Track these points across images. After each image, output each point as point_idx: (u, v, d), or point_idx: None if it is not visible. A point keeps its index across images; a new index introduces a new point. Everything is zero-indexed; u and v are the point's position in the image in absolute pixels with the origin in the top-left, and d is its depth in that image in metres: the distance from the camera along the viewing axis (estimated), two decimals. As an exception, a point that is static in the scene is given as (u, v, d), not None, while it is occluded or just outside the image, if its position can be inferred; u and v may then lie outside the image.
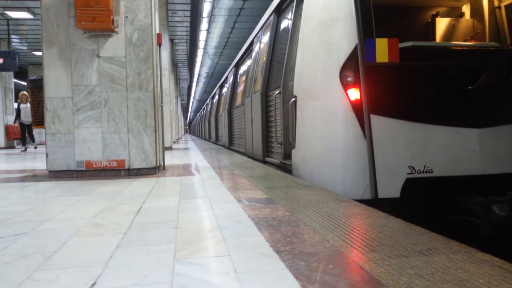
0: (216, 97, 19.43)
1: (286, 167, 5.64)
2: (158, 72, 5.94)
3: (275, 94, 6.23)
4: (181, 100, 40.73)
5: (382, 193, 3.88)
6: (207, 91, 42.57)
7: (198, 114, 44.60)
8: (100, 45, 5.30)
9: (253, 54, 9.35)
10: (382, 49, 3.98)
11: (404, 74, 4.02)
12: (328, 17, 4.31)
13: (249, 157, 8.72)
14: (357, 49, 4.01)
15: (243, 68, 11.62)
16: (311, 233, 2.26)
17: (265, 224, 2.48)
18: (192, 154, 10.04)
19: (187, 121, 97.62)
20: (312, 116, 4.58)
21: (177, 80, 25.88)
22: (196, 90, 42.49)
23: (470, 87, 4.01)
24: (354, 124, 3.97)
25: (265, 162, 7.08)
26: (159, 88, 5.91)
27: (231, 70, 14.10)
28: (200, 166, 6.41)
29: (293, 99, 5.15)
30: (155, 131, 5.43)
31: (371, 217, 2.61)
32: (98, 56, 5.32)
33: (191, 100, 52.24)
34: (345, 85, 4.04)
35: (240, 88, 11.23)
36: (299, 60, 4.98)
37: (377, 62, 3.94)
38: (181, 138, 32.43)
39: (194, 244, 2.11)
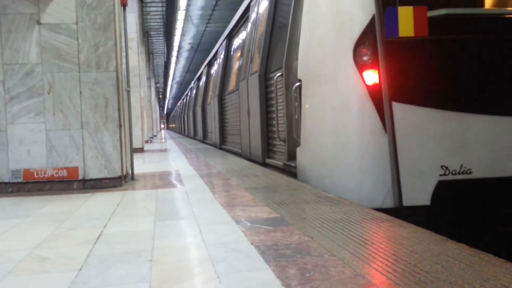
0: (203, 78, 19.17)
1: (290, 170, 5.83)
2: (123, 44, 5.95)
3: (276, 76, 6.43)
4: (156, 83, 40.78)
5: (408, 200, 4.07)
6: (191, 70, 42.60)
7: (179, 103, 44.43)
8: (41, 7, 5.31)
9: (250, 23, 9.47)
10: (406, 20, 4.10)
11: (435, 51, 4.19)
12: None
13: (246, 158, 8.93)
14: (374, 20, 4.19)
15: (238, 40, 11.62)
16: (340, 265, 2.25)
17: (274, 253, 2.47)
18: (172, 157, 10.04)
19: (164, 112, 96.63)
20: (320, 106, 4.79)
21: (149, 54, 25.92)
22: (176, 68, 42.58)
23: None
24: (371, 115, 4.18)
25: (265, 165, 7.29)
26: (124, 66, 5.93)
27: (223, 42, 14.15)
28: (184, 175, 6.42)
29: (297, 84, 5.35)
30: (120, 126, 5.44)
31: (422, 242, 2.59)
32: (38, 22, 5.33)
33: (169, 83, 52.34)
34: (361, 66, 4.25)
35: (235, 68, 11.26)
36: (304, 34, 5.16)
37: (400, 37, 4.10)
38: (156, 136, 32.51)
39: (176, 284, 2.10)
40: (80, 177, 5.35)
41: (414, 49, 4.19)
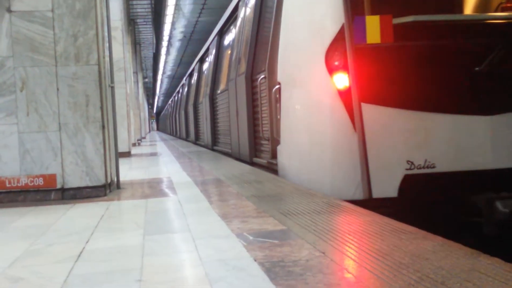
0: (195, 75, 19.68)
1: (272, 168, 6.94)
2: (105, 34, 5.96)
3: (260, 78, 7.53)
4: (144, 78, 40.73)
5: (377, 193, 5.02)
6: (183, 63, 42.55)
7: (171, 100, 44.68)
8: (12, -7, 5.33)
9: (239, 21, 10.27)
10: (373, 28, 5.10)
11: (401, 55, 5.16)
12: None
13: (236, 158, 9.90)
14: (344, 29, 5.13)
15: (229, 38, 12.28)
16: (355, 285, 2.25)
17: (281, 272, 2.47)
18: (163, 162, 10.08)
19: (154, 111, 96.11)
20: (296, 106, 5.88)
21: (136, 45, 25.95)
22: (167, 61, 42.57)
23: (477, 69, 5.12)
24: (342, 115, 5.10)
25: (252, 164, 8.45)
26: (107, 59, 5.94)
27: (214, 38, 14.76)
28: (176, 182, 6.44)
29: (276, 86, 6.45)
30: (103, 127, 5.46)
31: (450, 256, 2.60)
32: (9, 10, 5.34)
33: (159, 77, 52.18)
34: (331, 70, 5.19)
35: (225, 66, 11.99)
36: (283, 40, 6.24)
37: (367, 43, 5.07)
38: (145, 138, 32.49)
39: (169, 307, 2.10)
40: (58, 186, 5.36)
41: (382, 54, 5.13)
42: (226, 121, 11.28)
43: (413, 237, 3.04)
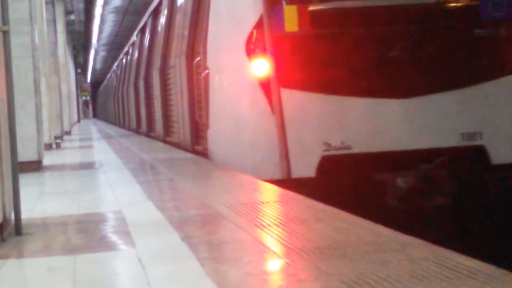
0: (148, 34, 14.70)
1: (205, 153, 7.26)
2: None
3: (196, 61, 7.60)
4: (67, 13, 23.24)
5: (296, 173, 5.58)
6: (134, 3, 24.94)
7: (116, 65, 29.53)
8: None
9: None
10: (291, 17, 5.66)
11: (318, 43, 5.77)
12: None
13: (183, 149, 9.05)
14: (262, 18, 5.62)
15: None
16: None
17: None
18: (108, 180, 6.32)
19: (88, 80, 59.99)
20: (221, 92, 6.50)
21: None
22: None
23: (390, 54, 5.78)
24: (261, 99, 5.69)
25: (195, 152, 8.25)
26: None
27: None
28: (133, 221, 3.85)
29: (206, 71, 6.80)
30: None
31: (355, 230, 2.97)
32: None
33: (98, 11, 26.00)
34: (251, 58, 5.77)
35: (176, 35, 10.11)
36: (211, 28, 6.67)
37: (286, 32, 5.66)
38: (70, 134, 20.30)
39: None
40: None
41: (299, 41, 5.76)
42: (176, 104, 9.72)
43: (330, 218, 3.35)
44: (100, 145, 13.01)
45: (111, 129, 24.16)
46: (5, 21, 3.55)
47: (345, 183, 5.55)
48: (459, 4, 6.27)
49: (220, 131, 6.55)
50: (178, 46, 9.32)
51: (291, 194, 4.46)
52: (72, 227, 3.96)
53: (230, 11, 6.20)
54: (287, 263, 2.53)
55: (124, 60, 23.58)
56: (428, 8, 5.98)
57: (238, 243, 3.08)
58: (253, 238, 3.11)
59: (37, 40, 7.85)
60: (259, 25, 5.70)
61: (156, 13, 13.21)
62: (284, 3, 5.77)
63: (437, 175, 5.64)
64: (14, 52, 3.95)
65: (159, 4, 12.64)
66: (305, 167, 5.59)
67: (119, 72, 26.07)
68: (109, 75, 38.67)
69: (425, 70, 5.82)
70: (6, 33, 3.55)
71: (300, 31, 5.71)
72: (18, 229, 3.57)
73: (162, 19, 11.96)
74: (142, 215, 4.11)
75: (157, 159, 8.17)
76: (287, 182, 5.37)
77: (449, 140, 5.78)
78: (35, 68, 7.44)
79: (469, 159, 5.82)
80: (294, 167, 5.57)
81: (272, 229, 3.26)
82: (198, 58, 7.46)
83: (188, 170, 6.80)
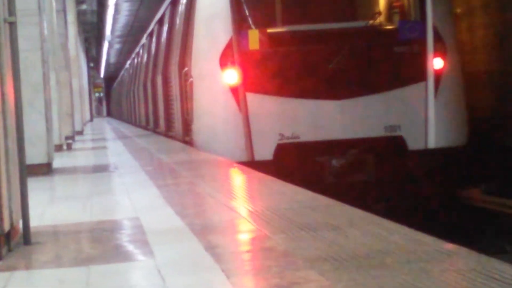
0: (165, 29, 14.10)
1: (192, 143, 9.63)
2: None
3: (183, 71, 9.98)
4: (79, 2, 22.23)
5: (258, 156, 7.76)
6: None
7: (134, 59, 26.33)
8: None
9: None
10: (254, 38, 7.97)
11: (274, 58, 8.02)
12: (211, 12, 8.38)
13: (179, 140, 11.52)
14: (232, 40, 7.83)
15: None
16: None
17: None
18: (123, 185, 6.14)
19: (101, 76, 56.20)
20: (202, 95, 8.79)
21: None
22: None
23: (330, 66, 7.82)
24: (231, 101, 7.89)
25: (185, 142, 10.62)
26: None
27: None
28: (151, 229, 3.66)
29: (190, 79, 9.23)
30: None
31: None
32: None
33: (110, 10, 26.14)
34: (224, 69, 7.93)
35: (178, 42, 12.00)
36: (195, 46, 9.03)
37: (250, 49, 7.89)
38: (83, 133, 19.58)
39: None
40: None
41: (261, 56, 8.02)
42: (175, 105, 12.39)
43: (366, 223, 3.43)
44: (114, 146, 12.52)
45: (127, 128, 23.05)
46: (11, 12, 3.34)
47: (295, 164, 7.75)
48: (382, 27, 8.53)
49: (201, 125, 8.98)
50: (174, 57, 11.74)
51: (320, 197, 4.31)
52: (85, 236, 3.75)
53: (208, 33, 8.48)
54: (319, 273, 2.32)
55: (140, 54, 22.25)
56: (358, 30, 8.19)
57: (266, 252, 2.87)
58: (284, 248, 2.87)
59: (45, 31, 7.52)
60: (230, 44, 7.93)
61: (174, 3, 12.77)
62: (249, 28, 8.09)
63: (361, 157, 7.81)
64: (21, 45, 3.70)
65: None
66: (264, 152, 7.82)
67: (135, 66, 24.57)
68: (124, 70, 36.43)
69: (357, 78, 7.99)
70: (12, 25, 3.33)
71: (261, 49, 8.02)
72: (26, 238, 3.38)
73: (179, 18, 11.86)
74: (160, 222, 3.91)
75: (176, 162, 7.88)
76: (251, 164, 7.29)
77: (375, 131, 7.96)
78: (44, 62, 7.13)
79: (391, 146, 7.93)
80: (256, 152, 7.80)
81: (301, 236, 3.07)
82: (186, 69, 9.84)
83: (209, 173, 6.59)
